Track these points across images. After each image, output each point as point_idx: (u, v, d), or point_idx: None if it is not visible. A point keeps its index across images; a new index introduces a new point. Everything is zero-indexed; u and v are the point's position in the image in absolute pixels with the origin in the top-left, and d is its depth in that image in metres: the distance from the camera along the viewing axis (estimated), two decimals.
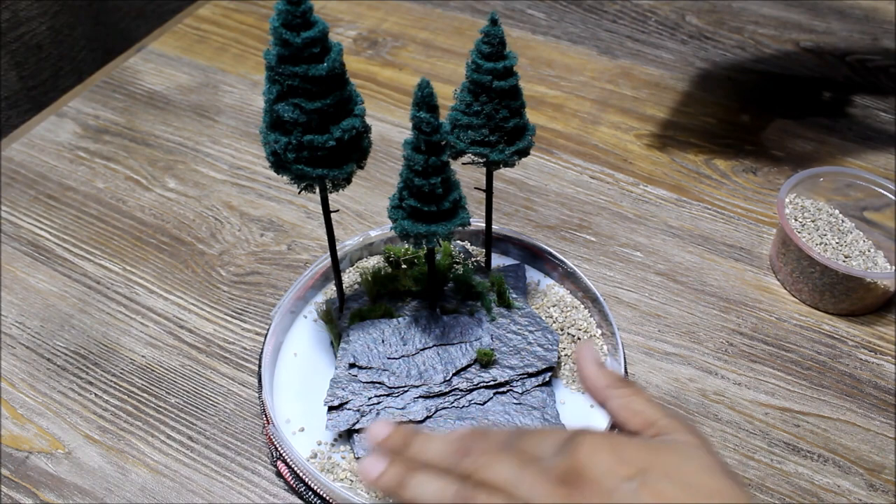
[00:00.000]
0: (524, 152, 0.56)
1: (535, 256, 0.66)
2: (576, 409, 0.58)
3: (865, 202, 0.73)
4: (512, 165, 0.56)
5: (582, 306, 0.64)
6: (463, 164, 0.57)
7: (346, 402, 0.56)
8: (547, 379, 0.58)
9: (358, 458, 0.55)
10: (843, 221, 0.68)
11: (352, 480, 0.54)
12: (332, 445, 0.56)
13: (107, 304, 0.67)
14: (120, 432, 0.59)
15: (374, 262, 0.66)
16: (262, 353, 0.59)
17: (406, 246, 0.64)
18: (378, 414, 0.56)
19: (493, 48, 0.52)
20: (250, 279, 0.68)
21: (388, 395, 0.56)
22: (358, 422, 0.55)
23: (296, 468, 0.53)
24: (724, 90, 0.85)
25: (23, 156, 0.80)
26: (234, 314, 0.66)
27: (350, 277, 0.65)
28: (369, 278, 0.62)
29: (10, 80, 0.93)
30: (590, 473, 0.37)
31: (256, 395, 0.60)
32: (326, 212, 0.56)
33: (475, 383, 0.57)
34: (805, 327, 0.64)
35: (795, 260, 0.64)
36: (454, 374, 0.57)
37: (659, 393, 0.60)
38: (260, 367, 0.59)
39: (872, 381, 0.61)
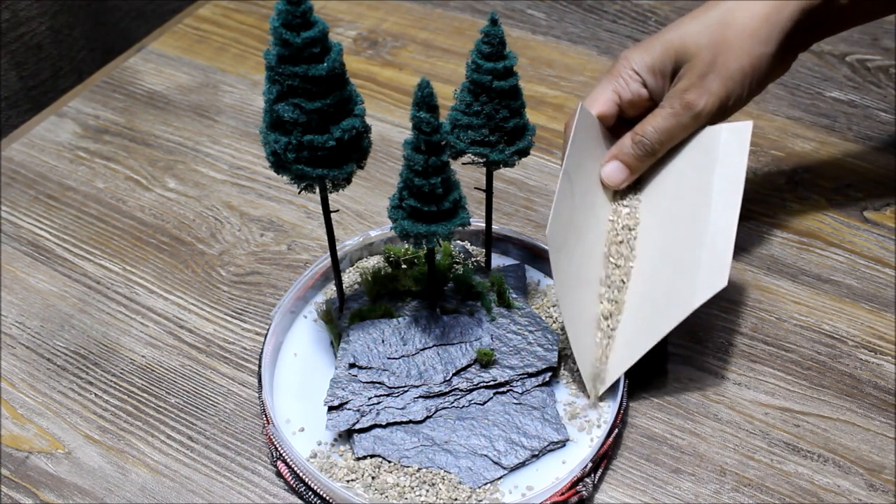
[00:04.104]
0: (524, 152, 0.56)
1: (535, 256, 0.66)
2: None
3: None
4: (512, 165, 0.56)
5: None
6: (463, 164, 0.57)
7: (346, 402, 0.56)
8: (547, 379, 0.58)
9: (358, 459, 0.55)
10: None
11: (350, 480, 0.54)
12: (332, 445, 0.56)
13: (107, 304, 0.67)
14: (120, 432, 0.59)
15: (374, 262, 0.66)
16: (262, 353, 0.59)
17: (406, 246, 0.64)
18: (378, 414, 0.56)
19: (493, 48, 0.52)
20: (250, 279, 0.68)
21: (388, 395, 0.56)
22: (358, 422, 0.55)
23: (296, 468, 0.53)
24: None
25: (23, 156, 0.80)
26: (234, 314, 0.66)
27: (350, 277, 0.65)
28: (369, 278, 0.62)
29: (10, 80, 0.93)
30: None
31: (256, 395, 0.60)
32: (326, 212, 0.56)
33: (475, 383, 0.57)
34: (805, 327, 0.64)
35: None
36: (454, 374, 0.57)
37: (659, 393, 0.60)
38: (260, 367, 0.59)
39: (872, 381, 0.61)
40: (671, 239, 0.60)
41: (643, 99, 0.62)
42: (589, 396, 0.57)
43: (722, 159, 0.60)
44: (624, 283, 0.60)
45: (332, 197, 0.67)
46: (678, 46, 0.60)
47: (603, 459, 0.55)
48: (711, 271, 0.56)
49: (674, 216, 0.61)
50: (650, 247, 0.61)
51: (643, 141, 0.60)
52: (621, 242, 0.62)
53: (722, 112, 0.61)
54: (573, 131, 0.59)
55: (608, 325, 0.59)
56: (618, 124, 0.64)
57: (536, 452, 0.55)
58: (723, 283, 0.55)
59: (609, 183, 0.62)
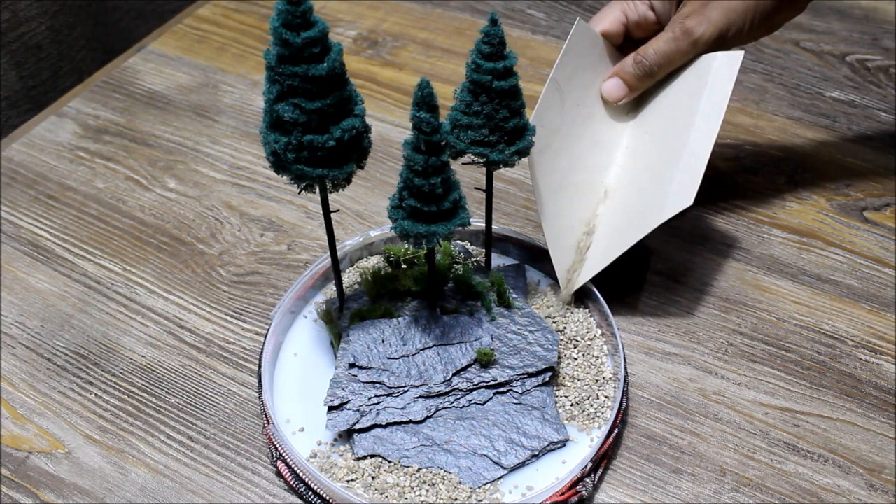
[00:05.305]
0: (524, 152, 0.56)
1: (536, 256, 0.66)
2: None
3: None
4: (512, 165, 0.56)
5: (582, 306, 0.63)
6: (463, 164, 0.57)
7: (346, 402, 0.56)
8: (547, 379, 0.58)
9: (358, 459, 0.55)
10: None
11: (350, 480, 0.54)
12: (332, 445, 0.56)
13: (107, 304, 0.67)
14: (120, 432, 0.59)
15: (374, 262, 0.66)
16: (262, 353, 0.59)
17: (406, 246, 0.64)
18: (378, 414, 0.56)
19: (493, 48, 0.52)
20: (250, 279, 0.68)
21: (388, 395, 0.56)
22: (358, 422, 0.55)
23: (296, 468, 0.53)
24: None
25: (23, 156, 0.80)
26: (234, 314, 0.66)
27: (350, 277, 0.65)
28: (369, 278, 0.62)
29: (10, 80, 0.93)
30: None
31: (256, 395, 0.60)
32: (326, 212, 0.56)
33: (475, 383, 0.57)
34: (805, 327, 0.64)
35: None
36: (454, 374, 0.57)
37: (659, 393, 0.60)
38: (260, 367, 0.59)
39: (872, 381, 0.61)
40: (653, 157, 0.63)
41: (650, 21, 0.65)
42: (561, 296, 0.62)
43: (710, 86, 0.62)
44: (605, 193, 0.64)
45: (332, 197, 0.67)
46: None
47: (603, 459, 0.55)
48: (680, 190, 0.59)
49: (658, 135, 0.64)
50: (633, 162, 0.65)
51: (643, 62, 0.63)
52: (609, 156, 0.65)
53: (721, 42, 0.62)
54: (566, 43, 0.61)
55: (586, 232, 0.63)
56: (627, 44, 0.66)
57: (536, 452, 0.55)
58: (689, 202, 0.57)
59: (608, 98, 0.65)
